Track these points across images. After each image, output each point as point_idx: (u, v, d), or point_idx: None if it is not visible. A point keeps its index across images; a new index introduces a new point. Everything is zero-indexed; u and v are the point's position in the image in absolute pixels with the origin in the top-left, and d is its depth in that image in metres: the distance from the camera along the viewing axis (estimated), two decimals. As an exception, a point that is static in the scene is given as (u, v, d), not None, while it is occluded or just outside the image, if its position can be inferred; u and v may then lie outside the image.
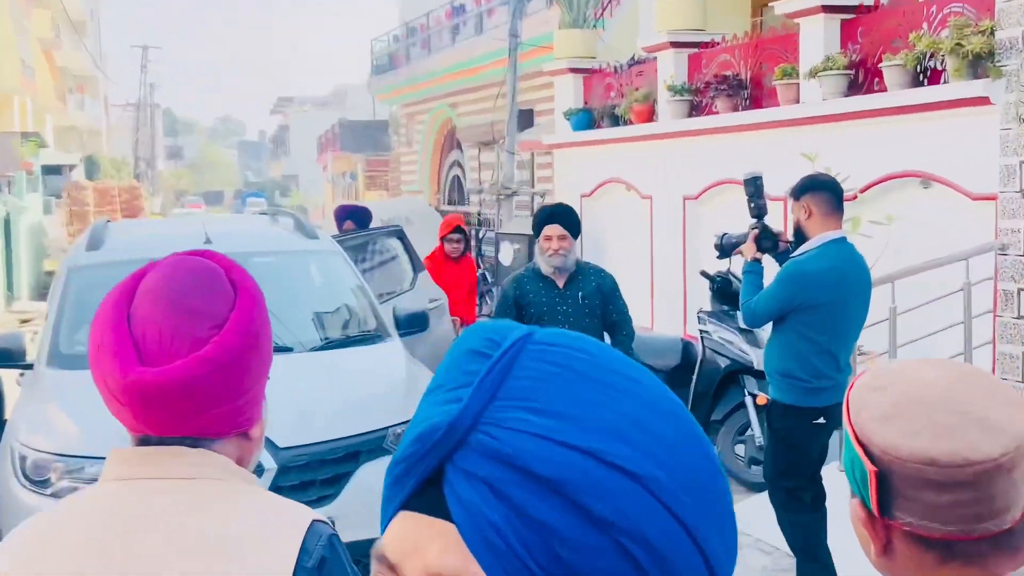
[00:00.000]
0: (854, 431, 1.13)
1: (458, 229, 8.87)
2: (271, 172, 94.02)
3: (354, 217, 8.96)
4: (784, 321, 4.35)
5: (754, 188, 4.44)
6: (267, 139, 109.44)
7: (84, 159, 37.74)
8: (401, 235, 8.59)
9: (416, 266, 8.42)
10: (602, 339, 5.00)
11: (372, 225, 9.14)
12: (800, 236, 4.38)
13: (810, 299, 4.24)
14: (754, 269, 4.49)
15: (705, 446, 0.67)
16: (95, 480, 1.64)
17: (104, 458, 1.42)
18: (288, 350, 5.14)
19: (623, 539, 0.62)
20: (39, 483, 4.07)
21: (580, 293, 5.08)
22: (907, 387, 1.12)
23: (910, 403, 1.10)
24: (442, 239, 8.87)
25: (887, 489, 1.10)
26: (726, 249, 4.73)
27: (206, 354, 1.25)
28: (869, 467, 1.10)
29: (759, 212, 4.48)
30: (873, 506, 1.12)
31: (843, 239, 4.41)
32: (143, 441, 1.34)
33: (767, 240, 4.53)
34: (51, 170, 28.20)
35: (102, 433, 2.05)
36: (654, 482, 0.63)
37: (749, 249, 4.49)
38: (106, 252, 5.77)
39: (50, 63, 41.85)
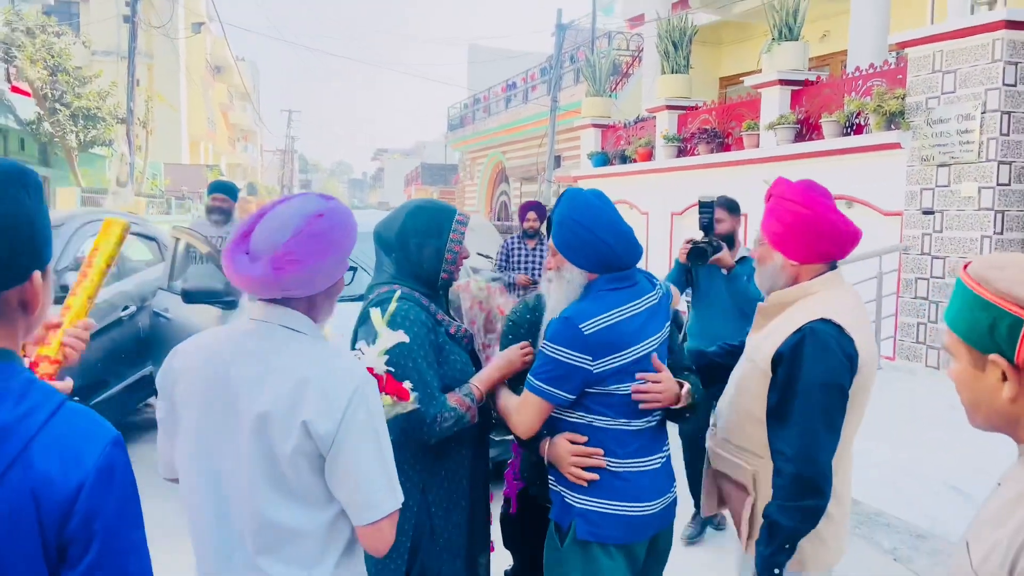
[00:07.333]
0: (1001, 297, 0.95)
1: None
2: (370, 200, 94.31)
3: (536, 209, 6.79)
4: None
5: (711, 209, 3.48)
6: (368, 177, 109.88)
7: (247, 185, 38.03)
8: None
9: None
10: None
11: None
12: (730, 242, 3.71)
13: None
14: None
15: None
16: None
17: None
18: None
19: None
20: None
21: None
22: None
23: None
24: None
25: None
26: (711, 254, 3.50)
27: None
28: None
29: (712, 227, 3.53)
30: (1019, 357, 0.94)
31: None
32: None
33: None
34: (226, 191, 28.49)
35: None
36: None
37: (729, 258, 3.61)
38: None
39: (225, 120, 42.25)
